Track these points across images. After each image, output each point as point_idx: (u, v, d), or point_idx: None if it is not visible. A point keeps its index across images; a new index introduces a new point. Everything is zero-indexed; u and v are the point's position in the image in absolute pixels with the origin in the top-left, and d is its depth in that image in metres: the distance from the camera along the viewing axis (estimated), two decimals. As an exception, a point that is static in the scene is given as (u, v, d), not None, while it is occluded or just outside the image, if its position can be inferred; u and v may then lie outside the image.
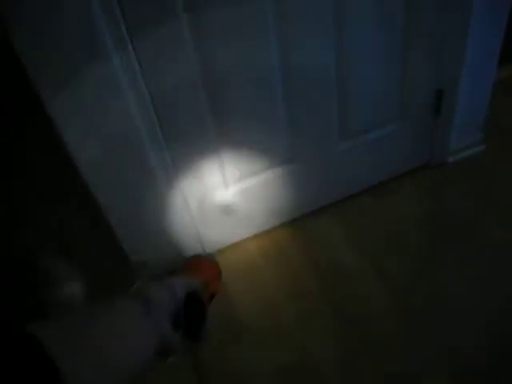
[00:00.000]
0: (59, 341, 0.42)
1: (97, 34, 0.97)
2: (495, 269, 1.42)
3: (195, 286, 0.67)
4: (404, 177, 1.74)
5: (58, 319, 0.47)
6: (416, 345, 1.26)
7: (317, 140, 1.49)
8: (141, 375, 0.53)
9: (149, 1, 1.02)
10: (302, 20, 1.20)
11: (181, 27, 1.08)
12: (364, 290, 1.42)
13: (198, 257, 0.91)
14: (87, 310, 0.53)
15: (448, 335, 1.27)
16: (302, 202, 1.63)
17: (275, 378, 1.25)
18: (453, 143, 1.71)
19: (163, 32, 1.07)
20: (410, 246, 1.53)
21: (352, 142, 1.55)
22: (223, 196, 1.46)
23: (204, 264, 0.85)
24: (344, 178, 1.64)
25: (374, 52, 1.35)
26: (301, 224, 1.66)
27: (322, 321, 1.37)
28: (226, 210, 1.50)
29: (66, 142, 1.08)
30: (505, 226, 1.53)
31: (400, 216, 1.63)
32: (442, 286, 1.40)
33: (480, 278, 1.40)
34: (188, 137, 1.28)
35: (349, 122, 1.49)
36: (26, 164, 1.16)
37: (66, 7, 0.92)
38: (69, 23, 0.94)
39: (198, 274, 0.84)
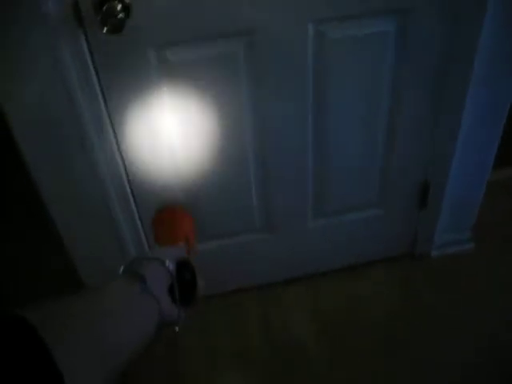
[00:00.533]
0: (51, 324, 0.41)
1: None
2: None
3: (183, 253, 0.70)
4: (381, 263, 1.69)
5: (49, 303, 0.46)
6: None
7: (290, 216, 1.47)
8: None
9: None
10: (280, 92, 1.21)
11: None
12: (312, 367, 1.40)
13: (171, 209, 0.90)
14: (81, 293, 0.53)
15: None
16: (272, 269, 1.61)
17: None
18: (438, 237, 1.66)
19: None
20: (371, 331, 1.49)
21: (327, 221, 1.53)
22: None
23: (179, 216, 0.86)
24: (318, 255, 1.61)
25: (355, 135, 1.34)
26: (268, 290, 1.64)
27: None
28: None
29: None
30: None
31: (365, 302, 1.59)
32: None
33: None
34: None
35: (324, 201, 1.47)
36: None
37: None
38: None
39: (177, 230, 0.86)
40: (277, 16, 1.08)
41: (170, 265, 0.63)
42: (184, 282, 0.64)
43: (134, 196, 1.27)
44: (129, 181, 1.25)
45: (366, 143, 1.36)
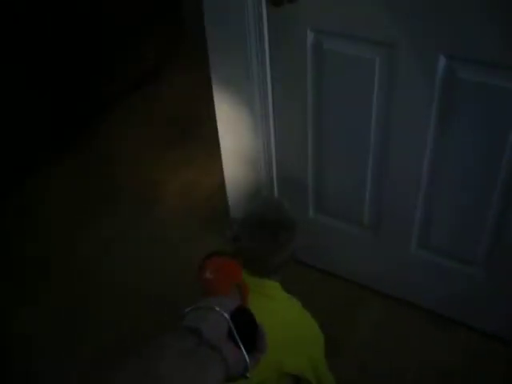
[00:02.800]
0: None
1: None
2: None
3: (238, 301, 0.67)
4: (467, 329, 1.60)
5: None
6: None
7: (395, 232, 1.57)
8: None
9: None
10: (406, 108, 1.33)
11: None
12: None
13: (219, 257, 0.86)
14: (140, 361, 0.52)
15: None
16: (364, 270, 1.73)
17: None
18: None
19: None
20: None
21: (430, 255, 1.55)
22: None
23: (227, 264, 0.81)
24: (415, 286, 1.65)
25: (471, 177, 1.34)
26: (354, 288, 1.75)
27: None
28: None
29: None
30: None
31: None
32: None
33: None
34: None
35: (429, 232, 1.50)
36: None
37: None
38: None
39: (229, 277, 0.83)
40: (414, 39, 1.21)
41: (227, 313, 0.59)
42: (244, 326, 0.61)
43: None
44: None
45: (480, 193, 1.35)
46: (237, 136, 1.65)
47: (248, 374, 0.59)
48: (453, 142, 1.30)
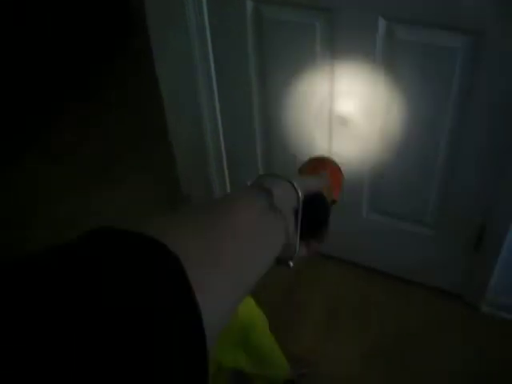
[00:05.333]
0: (194, 256, 0.36)
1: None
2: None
3: (319, 185, 0.59)
4: (429, 290, 1.65)
5: (178, 218, 0.42)
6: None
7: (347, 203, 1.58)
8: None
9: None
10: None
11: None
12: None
13: (324, 159, 0.78)
14: (207, 205, 0.46)
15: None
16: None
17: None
18: (494, 295, 1.54)
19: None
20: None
21: (382, 218, 1.58)
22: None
23: (330, 167, 0.75)
24: (368, 248, 1.68)
25: (415, 143, 1.36)
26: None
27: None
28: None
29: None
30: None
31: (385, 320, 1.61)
32: None
33: None
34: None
35: (379, 197, 1.53)
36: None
37: None
38: None
39: (323, 165, 0.76)
40: (352, 2, 1.21)
41: (300, 189, 0.52)
42: (311, 212, 0.55)
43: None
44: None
45: (425, 154, 1.37)
46: (182, 114, 1.62)
47: (291, 263, 0.54)
48: (396, 103, 1.32)
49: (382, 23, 1.21)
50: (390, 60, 1.25)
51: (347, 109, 1.38)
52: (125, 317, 0.28)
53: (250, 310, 1.15)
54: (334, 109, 1.40)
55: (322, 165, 0.75)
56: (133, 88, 2.66)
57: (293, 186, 0.52)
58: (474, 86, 1.20)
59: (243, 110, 1.54)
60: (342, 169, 0.77)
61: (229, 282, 0.40)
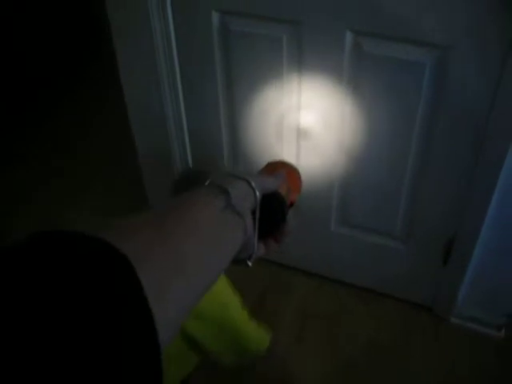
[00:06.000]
0: (147, 259, 0.35)
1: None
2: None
3: (276, 185, 0.59)
4: (395, 302, 1.65)
5: (130, 221, 0.39)
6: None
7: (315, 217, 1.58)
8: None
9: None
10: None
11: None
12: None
13: (282, 162, 0.79)
14: (161, 206, 0.45)
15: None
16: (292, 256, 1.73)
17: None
18: (464, 306, 1.55)
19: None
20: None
21: (351, 231, 1.57)
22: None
23: (288, 170, 0.74)
24: (338, 261, 1.67)
25: (382, 155, 1.36)
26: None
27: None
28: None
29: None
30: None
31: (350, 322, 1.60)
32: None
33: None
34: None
35: (348, 210, 1.52)
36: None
37: None
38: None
39: (280, 167, 0.75)
40: (319, 15, 1.20)
41: (257, 188, 0.52)
42: (269, 211, 0.55)
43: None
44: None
45: (393, 168, 1.37)
46: (147, 126, 1.59)
47: (250, 262, 0.54)
48: (363, 116, 1.31)
49: (349, 36, 1.21)
50: (357, 73, 1.25)
51: (314, 122, 1.37)
52: (69, 314, 0.27)
53: (222, 288, 1.15)
54: (301, 122, 1.38)
55: (279, 167, 0.75)
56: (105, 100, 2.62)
57: (250, 185, 0.52)
58: (441, 101, 1.20)
59: (210, 121, 1.51)
60: (299, 173, 0.78)
61: (185, 280, 0.39)
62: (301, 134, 1.41)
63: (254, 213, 0.52)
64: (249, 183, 0.52)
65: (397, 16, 1.13)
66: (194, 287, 0.41)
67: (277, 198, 0.58)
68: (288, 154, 1.46)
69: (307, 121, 1.38)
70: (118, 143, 2.27)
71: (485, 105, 1.15)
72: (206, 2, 1.29)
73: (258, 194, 0.52)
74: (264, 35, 1.29)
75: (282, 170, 0.71)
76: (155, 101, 1.49)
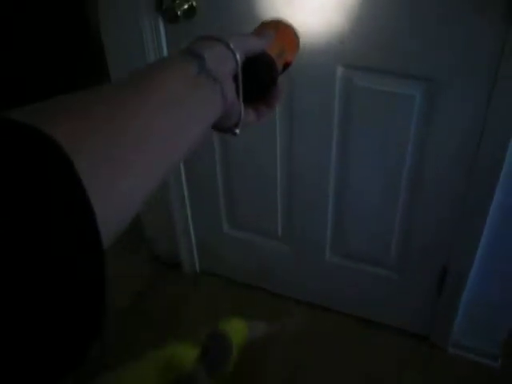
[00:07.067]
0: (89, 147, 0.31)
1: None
2: None
3: (262, 44, 0.54)
4: (395, 332, 1.64)
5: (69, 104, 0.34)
6: None
7: (310, 240, 1.58)
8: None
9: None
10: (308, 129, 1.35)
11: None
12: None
13: (277, 20, 0.69)
14: (128, 78, 0.41)
15: None
16: (286, 281, 1.73)
17: None
18: (460, 336, 1.54)
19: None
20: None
21: (345, 260, 1.58)
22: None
23: (282, 28, 0.67)
24: (333, 291, 1.67)
25: (374, 188, 1.37)
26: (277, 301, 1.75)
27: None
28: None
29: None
30: None
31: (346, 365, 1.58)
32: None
33: None
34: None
35: (342, 240, 1.53)
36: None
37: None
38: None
39: (275, 37, 0.66)
40: (309, 53, 1.22)
41: (238, 49, 0.48)
42: (255, 73, 0.51)
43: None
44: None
45: (386, 199, 1.38)
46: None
47: (237, 130, 0.51)
48: (356, 149, 1.33)
49: (339, 70, 1.23)
50: (347, 106, 1.27)
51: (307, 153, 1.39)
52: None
53: None
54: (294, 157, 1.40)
55: (271, 27, 0.67)
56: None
57: (228, 46, 0.47)
58: (431, 133, 1.22)
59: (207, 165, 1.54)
60: (296, 30, 0.69)
61: (142, 160, 0.36)
62: (293, 171, 1.43)
63: (236, 77, 0.49)
64: (227, 45, 0.48)
65: (385, 49, 1.16)
66: (154, 169, 0.38)
67: (264, 60, 0.53)
68: (281, 190, 1.48)
69: (299, 154, 1.39)
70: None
71: (475, 136, 1.17)
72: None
73: (238, 56, 0.48)
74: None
75: (273, 29, 0.65)
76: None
